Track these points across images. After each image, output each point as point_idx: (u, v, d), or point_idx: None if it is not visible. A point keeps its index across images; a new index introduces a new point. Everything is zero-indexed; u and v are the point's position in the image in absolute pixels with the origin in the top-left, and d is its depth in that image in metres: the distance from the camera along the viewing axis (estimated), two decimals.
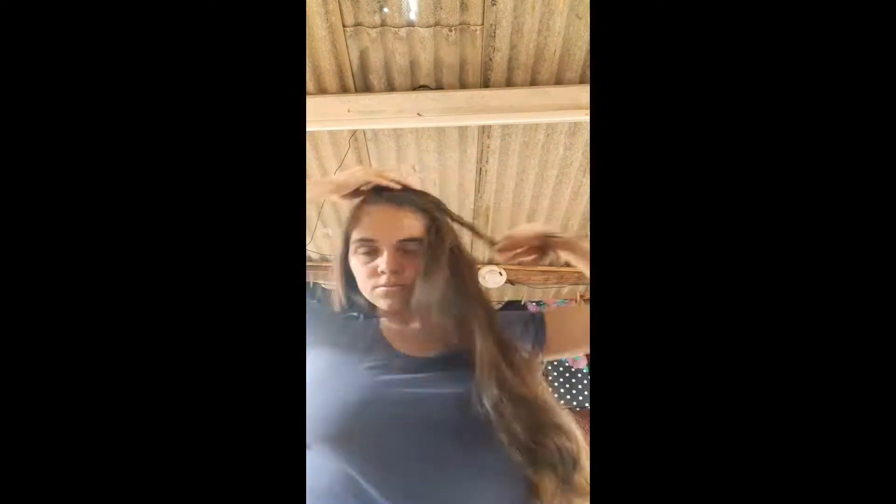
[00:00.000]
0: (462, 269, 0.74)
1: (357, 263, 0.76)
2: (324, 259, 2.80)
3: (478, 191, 2.19)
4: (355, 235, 0.76)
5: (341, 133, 1.91)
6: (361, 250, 0.75)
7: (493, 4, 1.44)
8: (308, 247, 2.61)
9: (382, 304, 0.75)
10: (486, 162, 2.02)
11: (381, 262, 0.73)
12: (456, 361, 0.68)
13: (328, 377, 0.68)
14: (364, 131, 1.91)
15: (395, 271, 0.72)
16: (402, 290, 0.73)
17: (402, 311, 0.75)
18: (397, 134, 1.92)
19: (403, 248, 0.73)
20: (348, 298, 0.81)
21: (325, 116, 1.66)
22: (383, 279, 0.73)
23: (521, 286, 2.89)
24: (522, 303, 3.06)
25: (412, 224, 0.75)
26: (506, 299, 3.04)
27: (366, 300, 0.78)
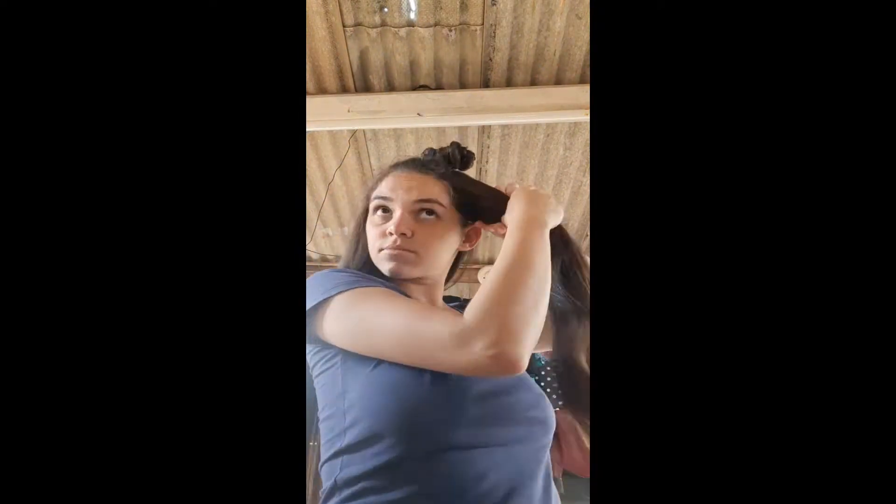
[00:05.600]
0: None
1: (370, 225, 0.73)
2: (324, 259, 2.80)
3: None
4: (373, 194, 0.74)
5: (341, 133, 1.90)
6: (377, 211, 0.73)
7: (493, 4, 1.44)
8: (308, 247, 2.61)
9: (385, 267, 0.71)
10: (486, 162, 2.02)
11: (392, 223, 0.69)
12: None
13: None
14: (364, 131, 1.90)
15: (403, 234, 0.69)
16: (408, 255, 0.69)
17: (404, 279, 0.71)
18: (397, 134, 1.91)
19: (419, 211, 0.71)
20: (350, 264, 0.77)
21: (325, 116, 1.66)
22: (390, 241, 0.69)
23: None
24: None
25: (432, 188, 0.72)
26: None
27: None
